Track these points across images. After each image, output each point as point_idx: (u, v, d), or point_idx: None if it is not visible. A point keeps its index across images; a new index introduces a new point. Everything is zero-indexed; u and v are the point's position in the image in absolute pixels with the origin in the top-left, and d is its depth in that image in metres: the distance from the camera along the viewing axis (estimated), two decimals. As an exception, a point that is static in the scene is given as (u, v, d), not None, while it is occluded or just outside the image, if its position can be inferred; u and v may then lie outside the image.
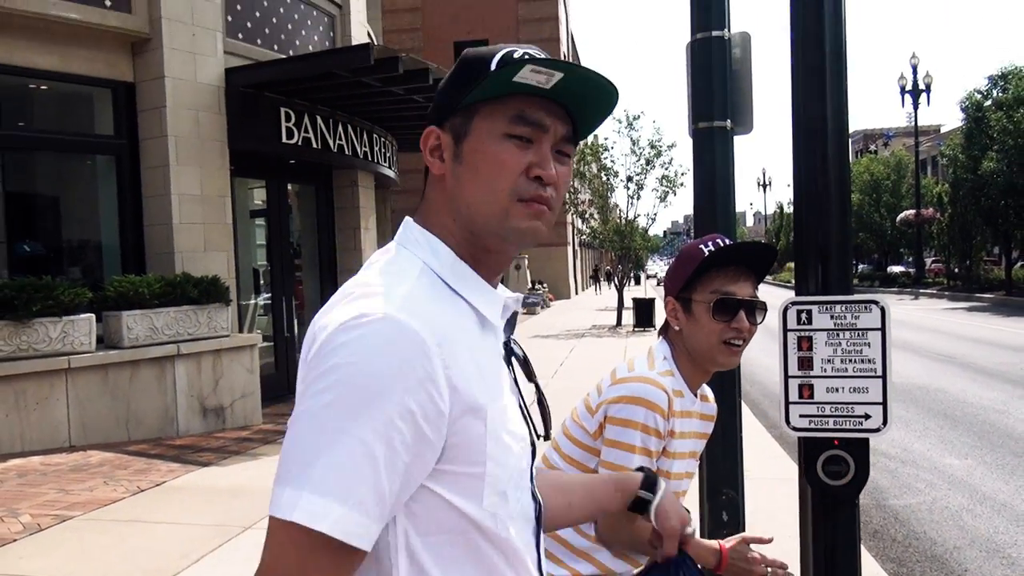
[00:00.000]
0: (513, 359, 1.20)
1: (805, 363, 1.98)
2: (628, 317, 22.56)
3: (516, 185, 1.10)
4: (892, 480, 6.86)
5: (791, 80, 2.06)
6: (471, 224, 1.13)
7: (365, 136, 12.76)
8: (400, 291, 1.03)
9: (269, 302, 11.77)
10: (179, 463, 7.16)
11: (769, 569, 1.83)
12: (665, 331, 2.03)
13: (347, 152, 12.10)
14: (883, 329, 1.93)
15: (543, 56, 1.12)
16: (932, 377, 12.11)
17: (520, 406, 1.18)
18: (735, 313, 1.88)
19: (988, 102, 28.93)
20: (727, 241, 1.94)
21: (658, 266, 75.92)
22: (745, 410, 6.88)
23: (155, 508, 5.81)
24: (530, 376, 1.26)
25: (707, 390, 2.05)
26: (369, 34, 14.65)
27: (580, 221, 26.12)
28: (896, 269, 47.37)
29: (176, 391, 8.54)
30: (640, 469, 1.62)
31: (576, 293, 42.79)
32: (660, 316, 23.21)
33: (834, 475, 1.98)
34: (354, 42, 13.06)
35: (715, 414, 2.05)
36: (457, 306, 1.09)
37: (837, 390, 1.96)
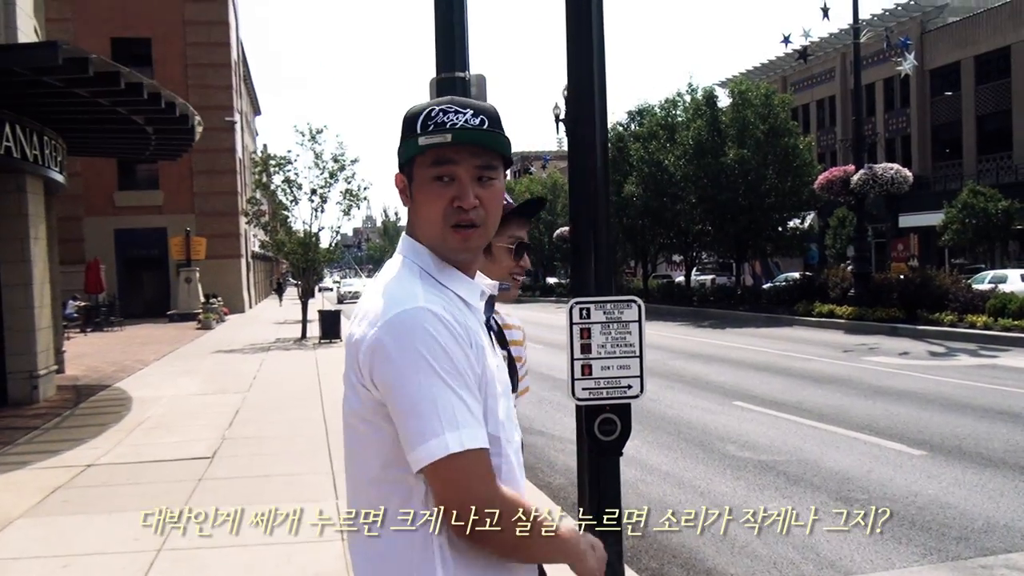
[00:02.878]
0: (491, 331, 1.68)
1: (585, 348, 2.60)
2: (313, 330, 22.51)
3: (446, 215, 1.54)
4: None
5: (569, 144, 2.70)
6: (427, 242, 1.59)
7: (35, 137, 11.74)
8: (415, 289, 1.51)
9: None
10: None
11: None
12: None
13: (15, 154, 11.06)
14: (639, 321, 2.62)
15: (460, 109, 1.55)
16: (596, 374, 13.83)
17: (503, 360, 1.69)
18: (523, 254, 2.39)
19: (628, 134, 33.09)
20: (508, 199, 2.44)
21: (333, 279, 75.00)
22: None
23: None
24: (503, 345, 1.73)
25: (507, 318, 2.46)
26: (35, 28, 13.44)
27: (264, 232, 25.66)
28: (552, 280, 52.06)
29: None
30: None
31: (251, 306, 41.54)
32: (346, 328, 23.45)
33: (606, 433, 2.62)
34: (20, 34, 11.98)
35: (520, 338, 2.47)
36: (447, 295, 1.54)
37: (609, 368, 2.61)
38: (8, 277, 11.67)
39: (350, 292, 48.90)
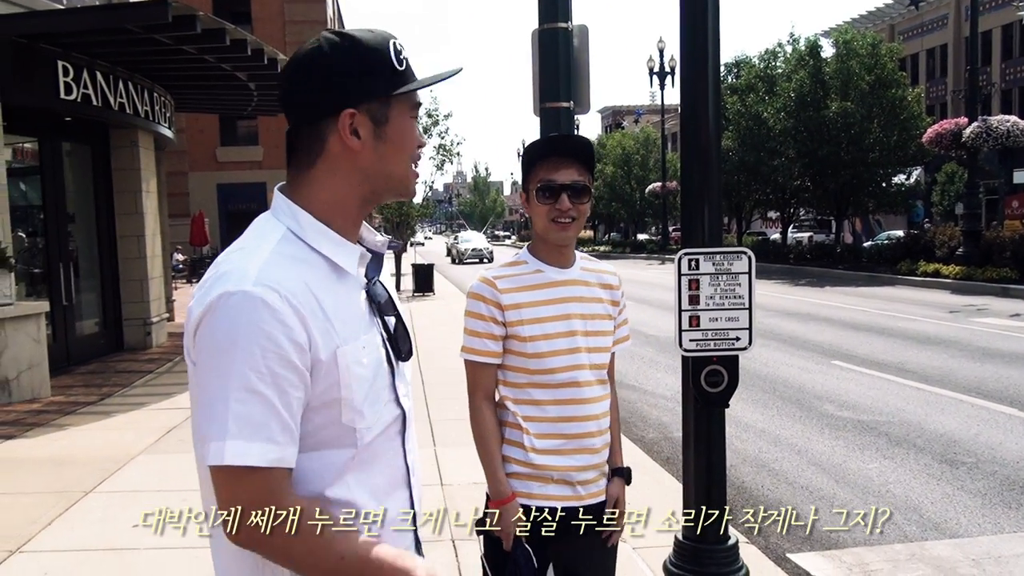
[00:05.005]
0: (376, 296, 1.45)
1: (694, 300, 2.58)
2: (406, 283, 22.98)
3: (412, 156, 1.44)
4: (673, 417, 7.93)
5: (682, 96, 2.66)
6: (385, 185, 1.43)
7: (146, 94, 12.19)
8: (254, 261, 1.29)
9: (39, 270, 11.05)
10: (-21, 437, 6.76)
11: None
12: None
13: (128, 111, 11.53)
14: (749, 273, 2.59)
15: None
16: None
17: (381, 336, 1.43)
18: (557, 196, 2.19)
19: (724, 87, 32.17)
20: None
21: (425, 234, 75.65)
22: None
23: (-26, 481, 5.55)
24: (388, 311, 1.47)
25: (592, 261, 2.39)
26: (144, -14, 13.87)
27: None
28: (643, 236, 51.41)
29: (-42, 364, 7.94)
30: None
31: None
32: (439, 283, 23.82)
33: (713, 384, 2.61)
34: (131, -7, 12.39)
35: (604, 279, 2.37)
36: (312, 261, 1.35)
37: (717, 319, 2.59)
38: (123, 228, 12.25)
39: (469, 249, 42.92)
